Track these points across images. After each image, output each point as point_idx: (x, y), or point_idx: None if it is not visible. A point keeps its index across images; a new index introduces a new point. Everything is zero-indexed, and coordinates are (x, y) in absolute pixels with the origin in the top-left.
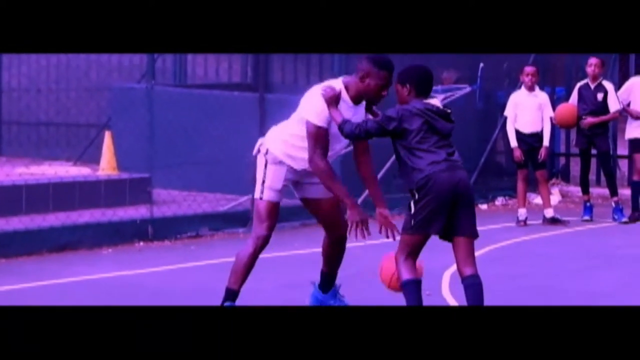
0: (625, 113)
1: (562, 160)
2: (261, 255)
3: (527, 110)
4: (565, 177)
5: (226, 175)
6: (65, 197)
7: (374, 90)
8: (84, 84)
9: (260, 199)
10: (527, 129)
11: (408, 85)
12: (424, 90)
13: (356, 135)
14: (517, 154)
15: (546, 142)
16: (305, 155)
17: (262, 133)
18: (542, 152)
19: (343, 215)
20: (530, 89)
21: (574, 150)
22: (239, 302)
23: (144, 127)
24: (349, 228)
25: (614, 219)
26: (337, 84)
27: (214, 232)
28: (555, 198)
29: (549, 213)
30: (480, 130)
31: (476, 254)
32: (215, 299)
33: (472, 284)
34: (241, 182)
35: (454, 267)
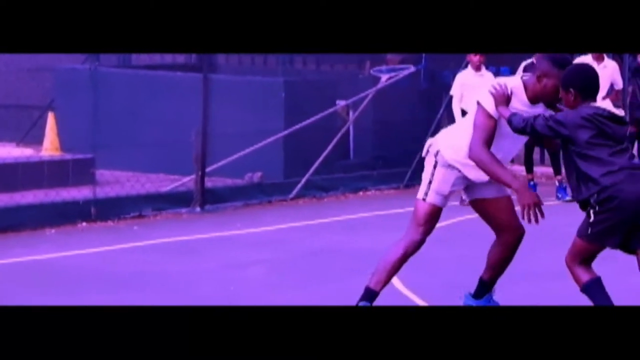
0: None
1: None
2: (203, 236)
3: (474, 90)
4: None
5: (170, 156)
6: (8, 178)
7: (551, 91)
8: (28, 65)
9: (424, 200)
10: (472, 109)
11: (572, 90)
12: (591, 94)
13: (522, 129)
14: None
15: None
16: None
17: (206, 113)
18: None
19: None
20: (477, 68)
21: None
22: (185, 286)
23: (88, 108)
24: (521, 213)
25: (558, 198)
26: (515, 82)
27: (157, 212)
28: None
29: None
30: (425, 110)
31: None
32: (158, 280)
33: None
34: (185, 163)
35: None
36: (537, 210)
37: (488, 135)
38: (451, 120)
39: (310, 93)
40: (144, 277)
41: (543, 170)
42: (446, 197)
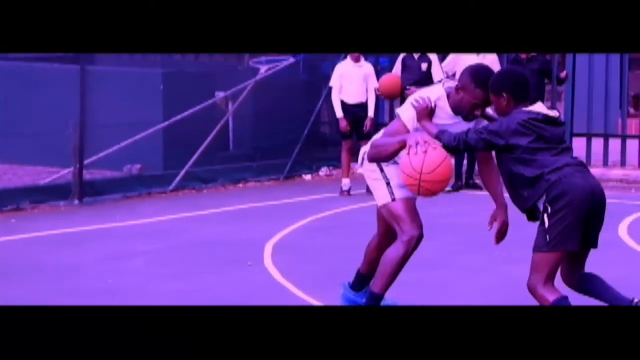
0: None
1: None
2: (82, 228)
3: (353, 81)
4: None
5: (48, 148)
6: None
7: (466, 106)
8: None
9: (394, 200)
10: (352, 100)
11: (505, 95)
12: (524, 97)
13: (455, 147)
14: (343, 124)
15: (371, 113)
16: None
17: (84, 105)
18: (367, 123)
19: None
20: (357, 60)
21: None
22: (64, 278)
23: None
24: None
25: None
26: (438, 92)
27: (35, 205)
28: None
29: None
30: (305, 101)
31: (300, 224)
32: (36, 273)
33: (593, 275)
34: (63, 156)
35: (276, 238)
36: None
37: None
38: (331, 111)
39: (190, 85)
40: (22, 270)
41: None
42: None
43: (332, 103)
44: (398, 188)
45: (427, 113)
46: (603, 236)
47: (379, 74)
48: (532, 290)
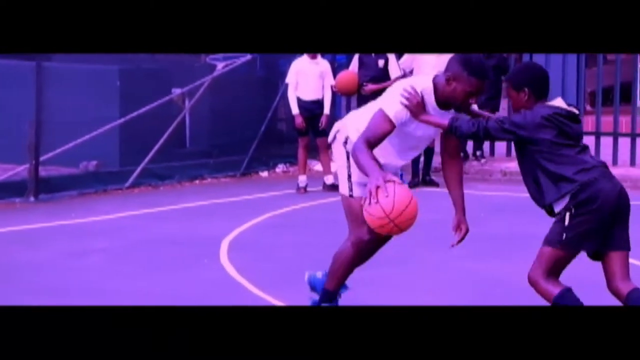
0: None
1: None
2: (37, 225)
3: (309, 78)
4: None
5: (3, 145)
6: None
7: (460, 97)
8: None
9: (351, 196)
10: (308, 97)
11: (526, 89)
12: (544, 92)
13: (474, 134)
14: (299, 121)
15: (327, 109)
16: (392, 150)
17: (39, 101)
18: (323, 120)
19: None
20: (313, 56)
21: None
22: (20, 276)
23: None
24: (367, 194)
25: None
26: (425, 83)
27: None
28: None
29: (329, 180)
30: (262, 98)
31: (256, 221)
32: None
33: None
34: (19, 152)
35: (232, 235)
36: (375, 192)
37: (376, 139)
38: (287, 108)
39: (146, 81)
40: None
41: None
42: None
43: (289, 100)
44: (357, 185)
45: (420, 107)
46: None
47: (335, 71)
48: (534, 283)
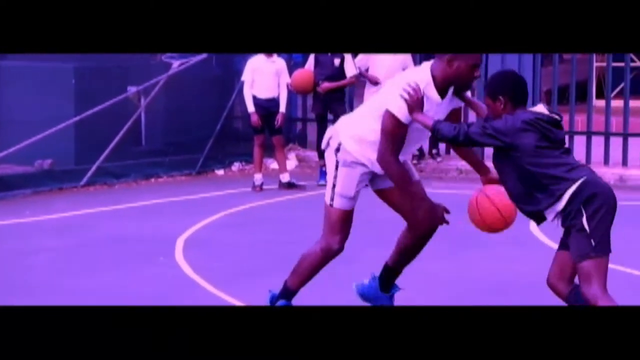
0: (363, 78)
1: (299, 125)
2: None
3: (265, 76)
4: (302, 142)
5: None
6: None
7: (465, 72)
8: None
9: (331, 206)
10: (264, 95)
11: (501, 98)
12: (521, 99)
13: (453, 138)
14: (255, 119)
15: (283, 107)
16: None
17: None
18: (279, 118)
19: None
20: (269, 55)
21: (311, 115)
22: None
23: None
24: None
25: None
26: (424, 73)
27: None
28: (291, 163)
29: (285, 178)
30: (217, 96)
31: (211, 219)
32: None
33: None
34: None
35: (187, 233)
36: (443, 219)
37: (398, 144)
38: (243, 106)
39: (101, 79)
40: None
41: None
42: (353, 198)
43: (244, 97)
44: (339, 196)
45: (419, 104)
46: (514, 232)
47: (291, 69)
48: (595, 302)
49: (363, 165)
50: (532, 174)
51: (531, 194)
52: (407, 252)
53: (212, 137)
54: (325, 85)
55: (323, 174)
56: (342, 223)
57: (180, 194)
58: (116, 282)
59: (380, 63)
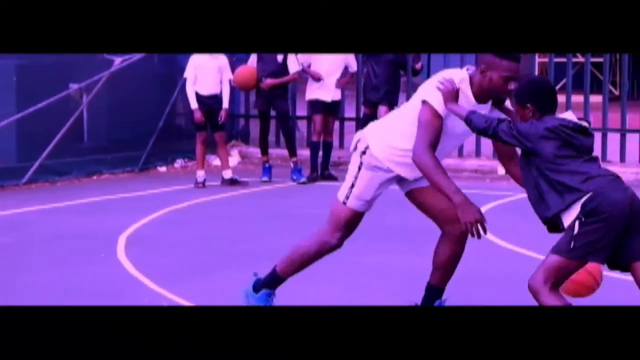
0: (305, 74)
1: (242, 121)
2: None
3: (208, 73)
4: (245, 139)
5: None
6: None
7: (497, 85)
8: None
9: (344, 203)
10: (206, 91)
11: (530, 106)
12: (549, 107)
13: (483, 130)
14: (198, 115)
15: (225, 104)
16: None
17: None
18: (222, 114)
19: None
20: None
21: (254, 111)
22: None
23: None
24: (463, 229)
25: (293, 180)
26: (461, 75)
27: None
28: (234, 159)
29: (228, 174)
30: (160, 93)
31: (154, 216)
32: None
33: None
34: None
35: (130, 230)
36: (479, 227)
37: (434, 136)
38: (186, 102)
39: (43, 76)
40: None
41: (279, 152)
42: (369, 202)
43: (187, 94)
44: (355, 197)
45: (453, 95)
46: None
47: (234, 65)
48: (535, 292)
49: (388, 171)
50: (549, 180)
51: (544, 199)
52: (449, 262)
53: (155, 134)
54: (269, 81)
55: (266, 170)
56: (349, 223)
57: (122, 191)
58: (57, 280)
59: (322, 59)
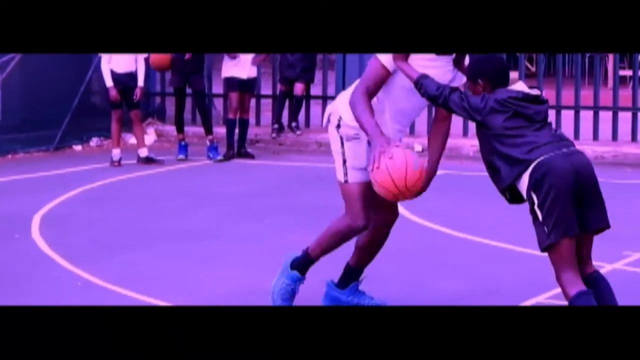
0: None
1: (158, 99)
2: None
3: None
4: (161, 117)
5: None
6: None
7: None
8: None
9: (346, 182)
10: (121, 69)
11: (481, 81)
12: (501, 82)
13: (434, 98)
14: (113, 93)
15: (141, 82)
16: (394, 125)
17: None
18: (137, 92)
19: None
20: None
21: (169, 89)
22: None
23: None
24: (372, 160)
25: (209, 158)
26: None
27: None
28: (150, 137)
29: (143, 153)
30: (75, 70)
31: (69, 195)
32: None
33: (600, 277)
34: None
35: (44, 210)
36: (380, 157)
37: (375, 84)
38: (101, 80)
39: None
40: None
41: (195, 130)
42: (367, 169)
43: (102, 72)
44: (353, 169)
45: (403, 56)
46: None
47: None
48: (564, 291)
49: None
50: (499, 152)
51: (499, 171)
52: (369, 248)
53: (70, 113)
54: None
55: (182, 148)
56: (363, 198)
57: (37, 171)
58: None
59: None
